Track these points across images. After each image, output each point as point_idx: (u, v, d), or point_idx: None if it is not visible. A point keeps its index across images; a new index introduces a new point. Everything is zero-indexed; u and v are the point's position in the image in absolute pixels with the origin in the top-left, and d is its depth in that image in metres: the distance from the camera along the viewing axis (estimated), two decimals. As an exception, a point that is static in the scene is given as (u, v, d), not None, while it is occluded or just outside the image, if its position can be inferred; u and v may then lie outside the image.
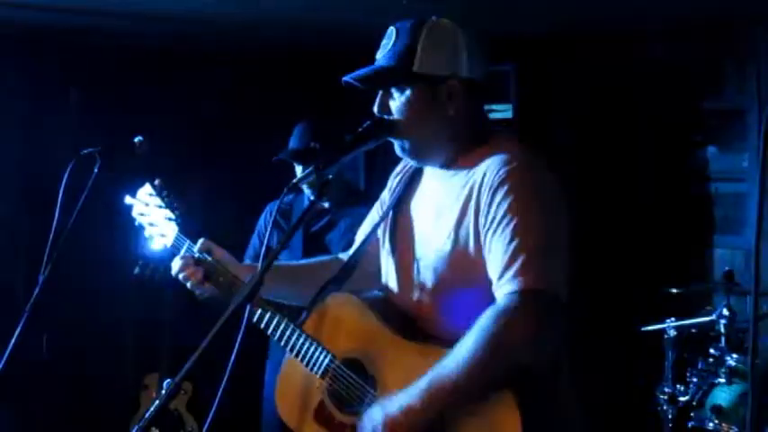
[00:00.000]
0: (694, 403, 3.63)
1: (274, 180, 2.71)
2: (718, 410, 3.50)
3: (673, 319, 3.80)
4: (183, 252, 2.34)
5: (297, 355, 2.17)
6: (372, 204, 3.60)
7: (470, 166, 2.05)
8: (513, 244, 1.89)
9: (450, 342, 1.94)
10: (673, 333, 3.78)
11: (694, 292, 4.14)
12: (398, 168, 2.34)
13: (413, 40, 2.04)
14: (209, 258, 2.30)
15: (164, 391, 4.35)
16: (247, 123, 5.09)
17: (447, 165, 2.11)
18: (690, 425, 3.61)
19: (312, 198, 3.46)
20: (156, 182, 2.45)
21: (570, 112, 4.75)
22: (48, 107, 4.78)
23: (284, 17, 4.32)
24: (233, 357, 1.94)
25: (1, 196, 4.67)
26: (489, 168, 1.98)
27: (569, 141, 4.68)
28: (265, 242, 3.27)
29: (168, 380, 4.41)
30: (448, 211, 2.05)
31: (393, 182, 2.33)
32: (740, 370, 3.57)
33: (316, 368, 2.15)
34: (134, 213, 2.49)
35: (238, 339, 1.94)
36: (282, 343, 2.21)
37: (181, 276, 2.30)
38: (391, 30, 2.11)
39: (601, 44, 4.60)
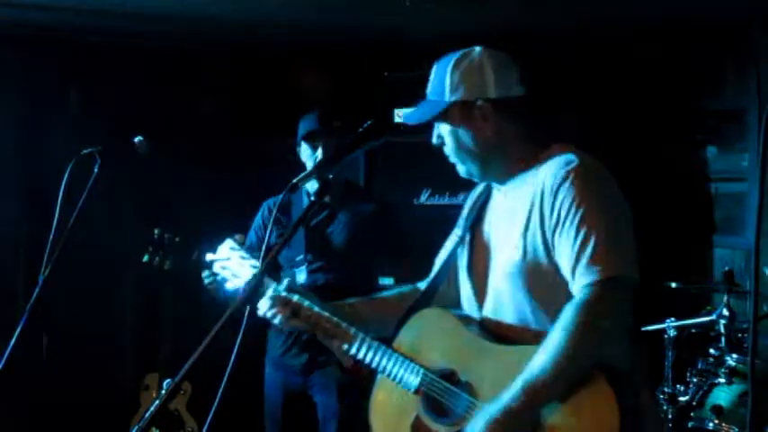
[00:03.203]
0: (694, 403, 3.63)
1: (274, 180, 2.71)
2: (718, 410, 3.50)
3: (673, 318, 3.80)
4: (272, 292, 2.42)
5: (389, 375, 2.26)
6: (371, 199, 3.61)
7: (530, 173, 2.16)
8: (581, 237, 1.99)
9: (537, 341, 2.02)
10: (673, 333, 3.78)
11: (694, 290, 4.13)
12: (471, 195, 2.46)
13: (443, 72, 2.22)
14: (295, 298, 2.41)
15: (164, 391, 4.35)
16: (247, 123, 5.09)
17: (507, 178, 2.24)
18: (690, 425, 3.60)
19: (313, 198, 3.47)
20: (237, 236, 2.65)
21: (570, 111, 4.75)
22: (47, 107, 4.78)
23: (284, 17, 4.32)
24: (233, 357, 1.94)
25: (1, 196, 4.67)
26: (548, 173, 2.09)
27: (569, 141, 4.67)
28: (266, 240, 3.27)
29: (168, 380, 4.41)
30: (514, 221, 2.15)
31: (467, 208, 2.44)
32: (740, 370, 3.57)
33: (409, 384, 2.23)
34: (216, 268, 2.63)
35: (238, 339, 1.95)
36: (373, 365, 2.30)
37: (269, 314, 2.40)
38: (434, 66, 2.28)
39: (601, 44, 4.60)
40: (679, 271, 4.43)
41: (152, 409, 1.81)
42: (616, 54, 4.64)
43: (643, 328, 3.89)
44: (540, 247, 2.08)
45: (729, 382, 3.58)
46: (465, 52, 2.22)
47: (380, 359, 2.28)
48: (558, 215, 2.03)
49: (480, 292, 2.25)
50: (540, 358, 1.98)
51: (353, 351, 2.33)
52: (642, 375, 2.13)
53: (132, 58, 4.89)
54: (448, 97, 2.19)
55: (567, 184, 2.04)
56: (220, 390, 1.90)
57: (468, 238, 2.36)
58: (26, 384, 4.54)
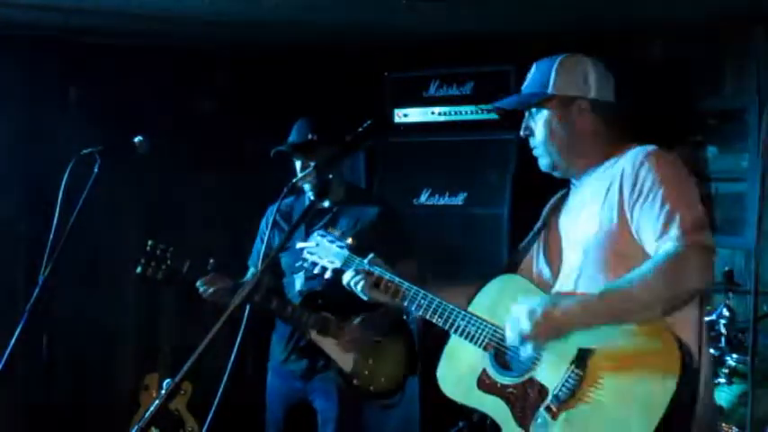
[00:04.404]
0: (694, 403, 3.62)
1: (274, 180, 2.71)
2: (718, 410, 3.49)
3: (673, 318, 3.80)
4: (354, 266, 2.63)
5: (460, 333, 2.39)
6: (373, 202, 3.61)
7: (608, 166, 2.32)
8: (668, 208, 2.11)
9: None
10: (673, 333, 3.77)
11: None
12: (552, 200, 2.59)
13: (548, 68, 2.40)
14: (377, 270, 2.60)
15: (164, 391, 4.35)
16: (247, 123, 5.09)
17: (585, 173, 2.39)
18: (690, 425, 3.60)
19: (313, 198, 3.47)
20: (324, 228, 2.85)
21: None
22: (47, 107, 4.78)
23: (284, 17, 4.32)
24: (233, 357, 1.94)
25: (1, 196, 4.67)
26: (627, 161, 2.24)
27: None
28: (265, 243, 3.27)
29: (168, 380, 4.41)
30: (590, 203, 2.29)
31: (547, 208, 2.58)
32: (740, 370, 3.57)
33: (480, 341, 2.36)
34: (305, 255, 2.75)
35: (238, 339, 1.95)
36: (446, 325, 2.42)
37: (353, 283, 2.61)
38: (533, 65, 2.46)
39: (601, 44, 4.59)
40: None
41: (152, 409, 1.82)
42: (616, 54, 4.63)
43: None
44: (617, 220, 2.19)
45: (729, 382, 3.57)
46: (571, 54, 2.42)
47: (454, 318, 2.41)
48: (641, 190, 2.15)
49: (555, 276, 2.38)
50: (618, 280, 2.12)
51: (429, 315, 2.45)
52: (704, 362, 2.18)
53: (132, 58, 4.89)
54: (551, 90, 2.36)
55: (648, 164, 2.18)
56: (220, 390, 1.90)
57: (543, 229, 2.52)
58: (26, 384, 4.54)
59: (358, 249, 3.35)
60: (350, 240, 2.72)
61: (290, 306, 3.37)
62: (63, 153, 2.88)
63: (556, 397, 2.16)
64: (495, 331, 2.34)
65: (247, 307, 2.30)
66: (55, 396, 4.65)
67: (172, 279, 3.41)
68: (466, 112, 4.53)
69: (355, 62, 4.92)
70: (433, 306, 2.46)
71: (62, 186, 2.78)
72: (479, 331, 2.37)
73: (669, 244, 2.08)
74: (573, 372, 2.15)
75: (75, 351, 4.76)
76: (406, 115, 4.66)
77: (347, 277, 2.62)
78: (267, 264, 1.99)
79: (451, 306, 2.43)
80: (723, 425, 3.46)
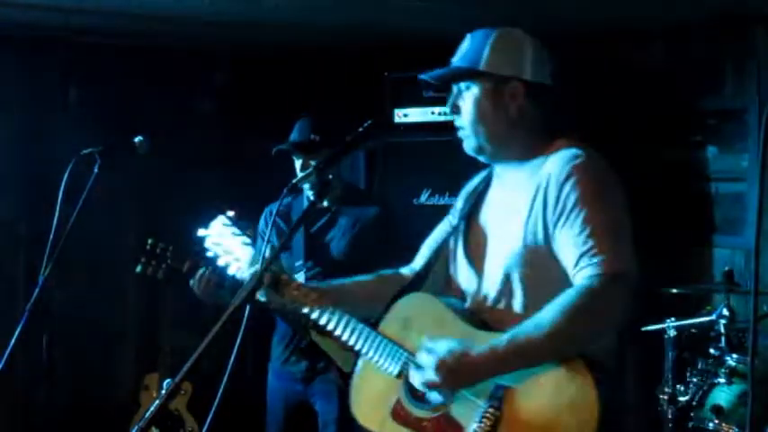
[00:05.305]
0: (694, 403, 3.63)
1: (273, 180, 2.71)
2: (718, 410, 3.49)
3: (673, 319, 3.80)
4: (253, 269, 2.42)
5: (372, 357, 2.24)
6: (372, 202, 3.60)
7: (535, 165, 2.16)
8: (587, 231, 1.99)
9: None
10: (673, 333, 3.77)
11: (694, 291, 4.13)
12: (468, 185, 2.44)
13: (482, 42, 2.20)
14: (285, 275, 2.43)
15: (164, 391, 4.35)
16: (247, 123, 5.09)
17: (511, 163, 2.23)
18: (690, 425, 3.60)
19: (312, 199, 3.46)
20: (230, 213, 2.61)
21: (570, 111, 4.74)
22: (47, 107, 4.78)
23: (284, 17, 4.32)
24: (233, 357, 1.94)
25: (1, 196, 4.67)
26: (554, 166, 2.09)
27: (575, 136, 4.67)
28: (265, 244, 3.26)
29: (168, 380, 4.41)
30: (516, 211, 2.14)
31: (463, 197, 2.42)
32: (740, 370, 3.57)
33: (392, 367, 2.20)
34: (208, 244, 2.60)
35: (238, 339, 1.95)
36: (357, 347, 2.28)
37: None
38: (467, 36, 2.26)
39: (600, 44, 4.60)
40: (679, 271, 4.43)
41: (152, 409, 1.82)
42: (616, 54, 4.63)
43: (643, 329, 3.89)
44: (541, 239, 2.07)
45: (729, 382, 3.57)
46: (508, 29, 2.23)
47: (364, 342, 2.26)
48: (563, 209, 2.03)
49: (477, 280, 2.23)
50: (530, 323, 1.99)
51: (337, 328, 2.30)
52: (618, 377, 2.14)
53: (132, 58, 4.89)
54: (483, 66, 2.18)
55: (573, 179, 2.04)
56: (220, 390, 1.90)
57: (462, 227, 2.34)
58: (26, 384, 4.54)
59: (353, 256, 3.36)
60: (250, 232, 2.54)
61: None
62: (63, 153, 2.88)
63: None
64: (407, 358, 2.18)
65: (247, 307, 2.30)
66: (55, 396, 4.65)
67: (172, 278, 3.41)
68: (466, 112, 4.53)
69: (355, 62, 4.92)
70: (343, 322, 2.30)
71: (62, 186, 2.78)
72: (392, 358, 2.21)
73: (585, 275, 1.97)
74: (489, 410, 2.01)
75: (75, 351, 4.76)
76: (406, 115, 4.66)
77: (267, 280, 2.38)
78: (267, 264, 1.99)
79: (362, 325, 2.27)
80: (723, 425, 3.47)
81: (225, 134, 5.14)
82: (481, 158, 2.29)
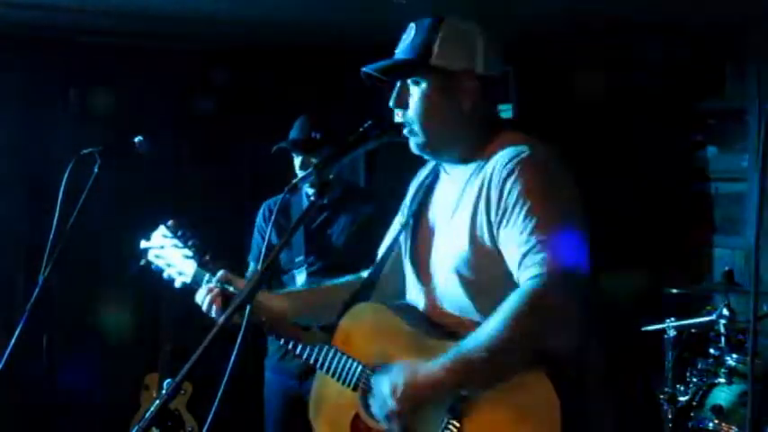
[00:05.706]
0: (694, 403, 3.63)
1: (273, 179, 2.71)
2: (718, 410, 3.49)
3: (673, 319, 3.80)
4: (204, 284, 2.31)
5: (327, 371, 2.17)
6: (371, 200, 3.60)
7: (480, 162, 2.06)
8: (529, 229, 1.90)
9: None
10: (673, 333, 3.78)
11: (694, 291, 4.14)
12: (416, 179, 2.36)
13: (431, 34, 2.06)
14: (231, 288, 2.29)
15: (164, 391, 4.35)
16: (247, 123, 5.09)
17: (459, 161, 2.12)
18: (690, 425, 3.60)
19: (313, 198, 3.46)
20: (170, 223, 2.46)
21: (570, 112, 4.74)
22: (47, 107, 4.78)
23: (284, 17, 4.32)
24: (233, 357, 1.93)
25: (1, 196, 4.67)
26: (497, 163, 1.99)
27: (569, 141, 4.67)
28: (265, 241, 3.26)
29: (168, 380, 4.41)
30: (461, 210, 2.06)
31: (411, 192, 2.35)
32: (740, 370, 3.57)
33: (348, 381, 2.14)
34: (150, 257, 2.47)
35: (239, 339, 1.94)
36: (311, 361, 2.22)
37: (205, 307, 2.28)
38: (411, 25, 2.14)
39: (601, 44, 4.60)
40: (679, 271, 4.44)
41: (152, 409, 1.81)
42: (616, 54, 4.64)
43: (643, 329, 3.89)
44: (487, 239, 1.99)
45: (729, 382, 3.57)
46: (456, 18, 2.09)
47: (317, 355, 2.20)
48: (506, 207, 1.94)
49: (423, 282, 2.16)
50: (475, 337, 1.89)
51: (291, 345, 2.25)
52: (597, 376, 2.04)
53: (132, 58, 4.89)
54: (434, 60, 2.04)
55: (514, 176, 1.94)
56: (220, 390, 1.90)
57: (411, 224, 2.26)
58: (26, 384, 4.53)
59: (353, 252, 3.36)
60: (196, 244, 2.38)
61: None
62: (63, 153, 2.88)
63: None
64: (362, 370, 2.11)
65: (248, 306, 2.30)
66: (55, 396, 4.65)
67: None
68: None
69: (355, 62, 4.92)
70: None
71: (62, 186, 2.78)
72: (346, 371, 2.14)
73: (528, 275, 1.88)
74: (449, 422, 1.95)
75: (76, 351, 4.76)
76: (406, 115, 4.65)
77: (199, 296, 2.29)
78: (268, 262, 1.98)
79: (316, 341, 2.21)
80: (723, 425, 3.47)
81: (225, 134, 5.14)
82: (426, 156, 2.20)
